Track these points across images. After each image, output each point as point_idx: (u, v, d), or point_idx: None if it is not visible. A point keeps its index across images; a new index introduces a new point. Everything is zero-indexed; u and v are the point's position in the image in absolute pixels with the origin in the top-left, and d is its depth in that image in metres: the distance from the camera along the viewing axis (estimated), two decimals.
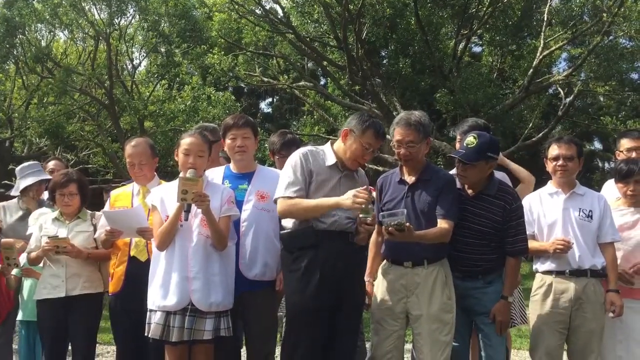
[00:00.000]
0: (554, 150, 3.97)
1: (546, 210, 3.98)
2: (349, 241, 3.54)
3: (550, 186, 4.05)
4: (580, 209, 3.91)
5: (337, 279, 3.45)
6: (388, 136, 3.73)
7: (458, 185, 3.73)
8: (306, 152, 3.60)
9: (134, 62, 17.57)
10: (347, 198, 3.34)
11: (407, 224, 3.28)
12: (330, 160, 3.58)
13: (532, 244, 3.96)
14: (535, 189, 4.25)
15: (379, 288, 3.68)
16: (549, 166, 4.02)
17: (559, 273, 3.88)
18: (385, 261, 3.72)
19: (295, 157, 3.60)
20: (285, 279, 3.61)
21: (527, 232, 3.95)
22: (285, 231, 3.59)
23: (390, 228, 3.28)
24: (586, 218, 3.88)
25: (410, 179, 3.64)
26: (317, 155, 3.61)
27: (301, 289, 3.46)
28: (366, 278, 3.75)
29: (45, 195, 5.08)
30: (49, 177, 5.09)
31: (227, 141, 3.96)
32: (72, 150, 19.09)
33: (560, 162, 3.94)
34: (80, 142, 18.59)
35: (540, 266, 3.99)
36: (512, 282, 3.70)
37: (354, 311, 3.62)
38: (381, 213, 3.41)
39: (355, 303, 3.60)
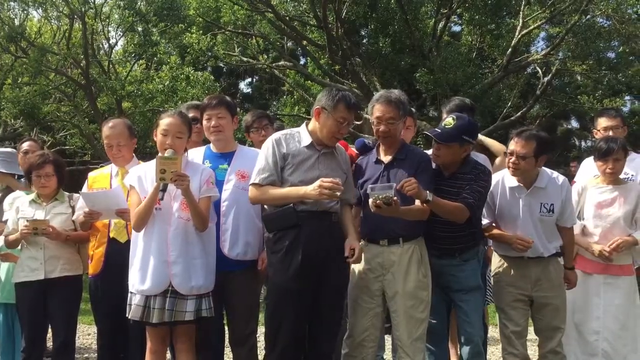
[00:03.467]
0: (510, 145, 3.81)
1: (508, 205, 3.91)
2: (331, 221, 3.55)
3: (512, 178, 3.90)
4: (541, 204, 3.85)
5: (319, 259, 3.46)
6: (367, 116, 3.73)
7: (433, 165, 3.75)
8: (279, 137, 3.61)
9: (111, 42, 17.24)
10: (313, 189, 3.35)
11: (395, 198, 3.30)
12: (306, 140, 3.57)
13: (494, 233, 3.96)
14: None
15: (355, 267, 3.70)
16: (506, 159, 3.89)
17: (517, 258, 3.91)
18: (361, 240, 3.73)
19: (268, 142, 3.61)
20: (268, 259, 3.62)
21: (489, 220, 3.96)
22: (267, 212, 3.59)
23: (378, 202, 3.29)
24: (547, 213, 3.86)
25: (386, 158, 3.67)
26: (292, 137, 3.61)
27: (284, 269, 3.47)
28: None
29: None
30: (16, 172, 5.01)
31: (204, 122, 3.98)
32: (48, 132, 18.78)
33: (512, 159, 3.80)
34: (56, 123, 18.27)
35: (498, 250, 4.02)
36: (444, 209, 3.54)
37: (337, 290, 3.62)
38: (370, 186, 3.42)
39: (339, 282, 3.61)
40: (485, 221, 3.96)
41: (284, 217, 3.49)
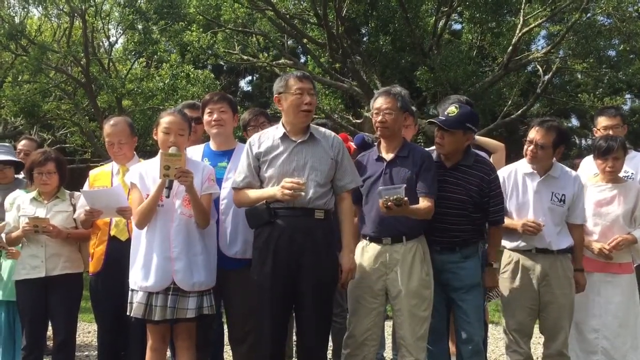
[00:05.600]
0: (531, 133, 3.92)
1: (519, 191, 3.98)
2: (313, 217, 3.47)
3: (527, 165, 4.02)
4: (553, 192, 3.91)
5: (293, 256, 3.42)
6: (367, 114, 3.74)
7: (434, 157, 3.77)
8: (254, 137, 3.65)
9: (111, 40, 17.22)
10: (278, 189, 3.36)
11: (405, 198, 3.31)
12: (279, 133, 3.57)
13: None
14: (510, 161, 4.27)
15: (357, 266, 3.66)
16: (524, 146, 3.99)
17: (525, 251, 3.93)
18: (363, 239, 3.73)
19: (246, 145, 3.66)
20: (252, 255, 3.63)
21: None
22: (246, 208, 3.60)
23: (389, 203, 3.30)
24: (558, 202, 3.90)
25: (388, 156, 3.68)
26: (269, 134, 3.62)
27: (259, 266, 3.49)
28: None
29: (21, 175, 5.01)
30: (9, 158, 4.98)
31: (205, 117, 3.99)
32: (48, 130, 18.81)
33: (531, 148, 3.90)
34: (56, 121, 18.29)
35: (508, 243, 4.03)
36: (495, 248, 3.75)
37: (321, 286, 3.48)
38: (380, 187, 3.44)
39: (322, 279, 3.48)
40: None
41: (257, 214, 3.51)
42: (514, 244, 3.98)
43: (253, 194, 3.53)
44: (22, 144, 5.46)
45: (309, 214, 3.46)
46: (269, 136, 3.60)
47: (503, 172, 4.07)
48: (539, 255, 3.89)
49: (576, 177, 4.01)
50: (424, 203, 3.53)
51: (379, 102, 3.67)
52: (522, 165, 4.04)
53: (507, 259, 4.03)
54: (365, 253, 3.67)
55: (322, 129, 3.70)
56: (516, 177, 4.01)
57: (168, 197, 3.48)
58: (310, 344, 3.52)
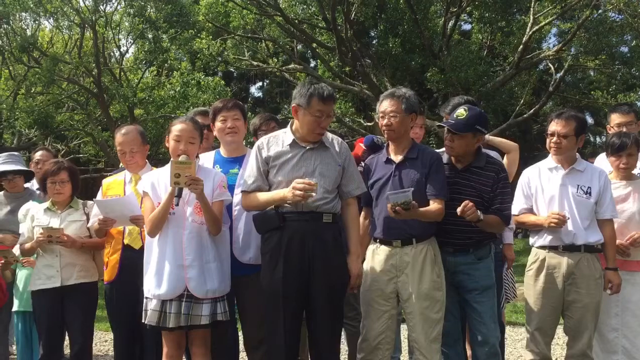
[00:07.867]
0: (551, 126, 3.93)
1: (544, 186, 3.97)
2: (322, 221, 3.46)
3: (551, 160, 4.02)
4: (578, 185, 3.89)
5: (304, 261, 3.41)
6: (377, 116, 3.72)
7: (445, 159, 3.75)
8: (262, 141, 3.61)
9: (122, 49, 17.41)
10: (289, 191, 3.34)
11: (413, 202, 3.30)
12: (289, 139, 3.55)
13: (529, 218, 4.01)
14: (525, 165, 4.25)
15: (367, 270, 3.66)
16: (547, 141, 3.99)
17: (552, 248, 3.90)
18: (373, 242, 3.71)
19: (253, 148, 3.64)
20: (261, 261, 3.61)
21: (525, 206, 4.02)
22: (254, 213, 3.59)
23: (397, 207, 3.28)
24: (584, 195, 3.87)
25: (397, 158, 3.65)
26: (277, 138, 3.59)
27: (270, 272, 3.46)
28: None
29: (35, 185, 5.05)
30: (20, 168, 5.02)
31: (217, 124, 3.96)
32: (62, 140, 18.98)
33: (554, 139, 3.90)
34: (70, 132, 18.45)
35: (535, 241, 4.01)
36: (488, 223, 3.62)
37: (331, 291, 3.47)
38: (388, 192, 3.42)
39: (332, 283, 3.47)
40: (520, 207, 4.01)
41: (266, 219, 3.49)
42: (541, 242, 3.95)
43: (262, 197, 3.51)
44: (39, 154, 5.51)
45: (318, 218, 3.45)
46: (277, 141, 3.58)
47: (528, 172, 4.08)
48: (566, 254, 3.85)
49: (602, 171, 3.99)
50: (434, 205, 3.51)
51: (384, 105, 3.65)
52: (546, 162, 4.05)
53: (533, 257, 4.01)
54: (375, 256, 3.66)
55: (330, 135, 3.68)
56: (541, 173, 4.02)
57: (178, 205, 3.48)
58: (323, 348, 3.52)
